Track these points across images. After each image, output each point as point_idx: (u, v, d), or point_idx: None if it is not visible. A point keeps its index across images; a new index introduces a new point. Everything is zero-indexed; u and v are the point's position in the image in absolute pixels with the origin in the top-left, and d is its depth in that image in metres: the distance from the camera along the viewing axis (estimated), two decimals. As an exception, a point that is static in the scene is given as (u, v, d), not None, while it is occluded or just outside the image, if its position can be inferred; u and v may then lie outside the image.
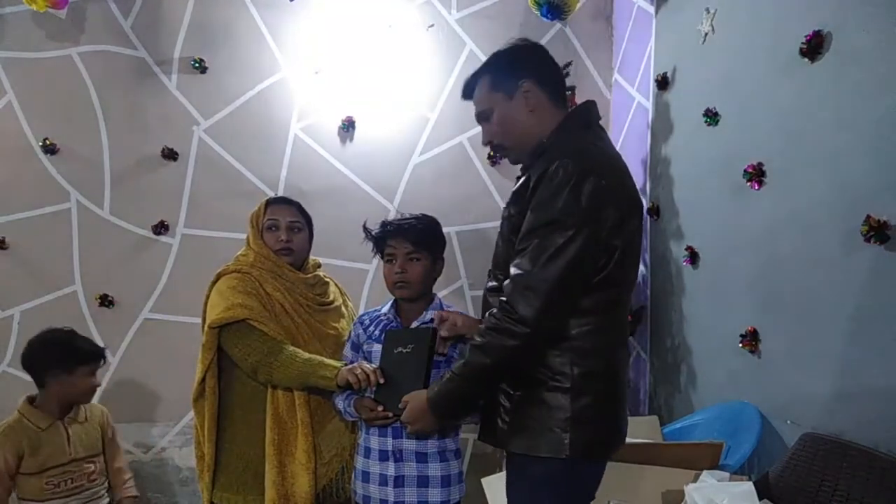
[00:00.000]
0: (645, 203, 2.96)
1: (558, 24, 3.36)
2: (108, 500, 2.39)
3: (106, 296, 3.24)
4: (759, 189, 2.11)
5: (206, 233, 3.25)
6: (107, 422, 2.48)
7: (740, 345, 2.16)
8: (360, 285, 3.33)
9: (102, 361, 2.40)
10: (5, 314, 3.23)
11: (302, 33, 3.33)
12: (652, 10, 2.95)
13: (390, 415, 1.78)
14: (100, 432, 2.43)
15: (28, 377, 3.20)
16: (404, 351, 1.79)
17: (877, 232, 1.61)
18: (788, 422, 1.95)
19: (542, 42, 3.40)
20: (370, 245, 2.07)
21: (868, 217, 1.63)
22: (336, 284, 2.38)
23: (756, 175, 2.11)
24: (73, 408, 2.37)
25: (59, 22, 3.24)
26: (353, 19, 3.34)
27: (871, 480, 1.49)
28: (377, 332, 1.98)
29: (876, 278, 1.65)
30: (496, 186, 3.39)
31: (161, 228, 3.28)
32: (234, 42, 3.32)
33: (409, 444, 1.87)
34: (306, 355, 1.94)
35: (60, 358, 2.29)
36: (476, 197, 3.39)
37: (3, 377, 3.23)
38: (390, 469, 1.86)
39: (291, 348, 1.96)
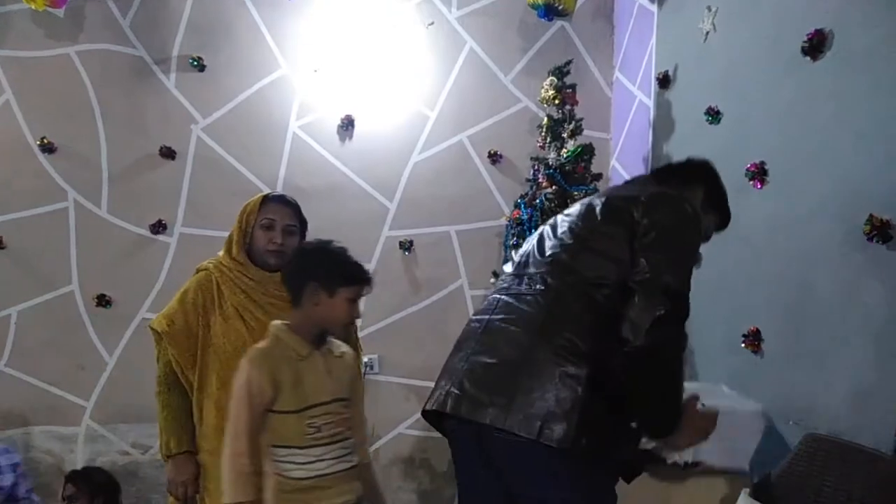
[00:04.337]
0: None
1: (559, 23, 3.35)
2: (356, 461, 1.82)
3: (103, 295, 3.23)
4: (761, 188, 2.10)
5: (205, 232, 3.24)
6: (357, 368, 1.93)
7: (743, 344, 2.15)
8: (360, 285, 3.32)
9: (367, 289, 1.83)
10: (2, 314, 3.22)
11: (301, 32, 3.32)
12: (653, 8, 2.94)
13: None
14: (349, 376, 1.86)
15: (24, 376, 3.22)
16: None
17: (879, 231, 1.60)
18: (791, 422, 1.94)
19: (543, 40, 3.44)
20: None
21: (871, 216, 1.62)
22: None
23: (758, 174, 2.10)
24: (327, 338, 1.83)
25: (58, 21, 3.23)
26: (353, 17, 3.33)
27: (874, 481, 1.48)
28: None
29: (879, 277, 1.64)
30: (496, 185, 3.38)
31: (159, 227, 3.27)
32: (233, 41, 3.30)
33: None
34: (173, 412, 2.03)
35: (325, 273, 1.75)
36: (476, 195, 3.38)
37: (1, 376, 3.22)
38: None
39: (170, 396, 2.03)
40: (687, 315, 1.43)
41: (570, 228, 1.55)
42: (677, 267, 1.43)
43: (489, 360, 1.45)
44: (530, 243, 1.65)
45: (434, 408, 1.49)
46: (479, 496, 1.54)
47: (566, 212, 1.66)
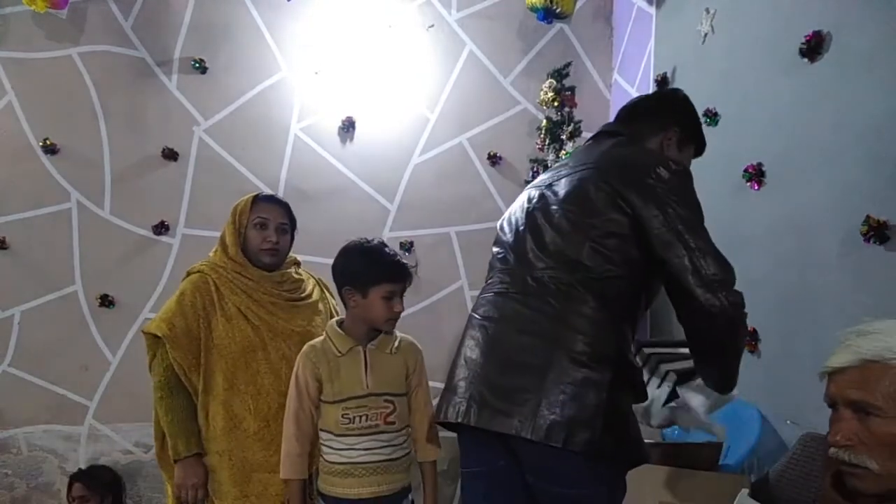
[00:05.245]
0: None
1: (558, 25, 3.37)
2: (408, 451, 1.92)
3: (106, 296, 3.25)
4: (758, 189, 2.12)
5: (207, 233, 3.26)
6: (416, 364, 1.95)
7: (740, 345, 2.16)
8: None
9: (406, 284, 1.86)
10: (6, 314, 3.24)
11: (302, 33, 3.34)
12: (652, 10, 2.96)
13: None
14: (399, 373, 1.91)
15: (27, 376, 3.23)
16: None
17: (876, 232, 1.61)
18: (788, 422, 1.95)
19: (542, 42, 3.46)
20: None
21: (868, 217, 1.63)
22: (318, 282, 2.28)
23: (756, 175, 2.11)
24: (379, 336, 1.89)
25: (60, 22, 3.25)
26: (353, 19, 3.34)
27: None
28: None
29: (875, 278, 1.65)
30: (496, 187, 3.39)
31: (161, 228, 3.28)
32: (235, 42, 3.32)
33: None
34: (178, 415, 1.95)
35: (354, 275, 1.82)
36: (476, 197, 3.39)
37: (3, 377, 3.24)
38: None
39: (175, 399, 1.96)
40: (734, 277, 1.41)
41: (566, 216, 1.48)
42: (703, 243, 1.39)
43: (506, 369, 1.43)
44: (518, 227, 1.59)
45: (458, 420, 1.46)
46: (497, 486, 1.52)
47: (553, 188, 1.57)
